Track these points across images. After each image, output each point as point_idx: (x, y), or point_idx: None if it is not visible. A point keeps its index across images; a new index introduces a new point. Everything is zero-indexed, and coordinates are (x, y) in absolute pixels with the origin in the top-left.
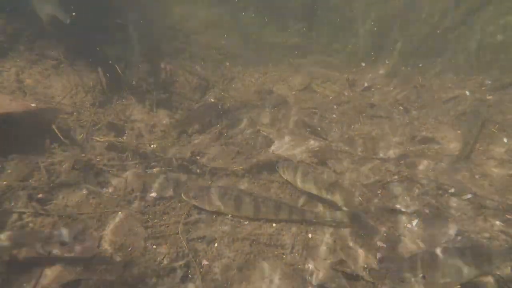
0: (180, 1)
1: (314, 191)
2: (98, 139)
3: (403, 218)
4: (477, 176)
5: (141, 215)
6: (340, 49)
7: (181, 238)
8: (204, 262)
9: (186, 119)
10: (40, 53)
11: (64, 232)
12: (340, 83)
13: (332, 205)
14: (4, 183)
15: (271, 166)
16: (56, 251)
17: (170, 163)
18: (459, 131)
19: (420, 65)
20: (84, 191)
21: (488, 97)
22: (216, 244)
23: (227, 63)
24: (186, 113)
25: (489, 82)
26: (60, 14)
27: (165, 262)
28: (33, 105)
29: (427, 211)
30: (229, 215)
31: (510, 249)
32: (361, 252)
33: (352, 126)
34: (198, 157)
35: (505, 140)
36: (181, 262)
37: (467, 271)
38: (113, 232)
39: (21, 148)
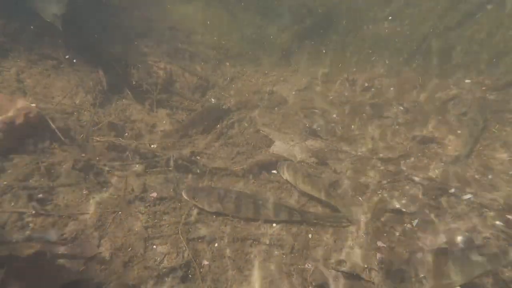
0: (180, 1)
1: (313, 192)
2: (98, 139)
3: (403, 218)
4: (477, 176)
5: (141, 215)
6: (340, 49)
7: (181, 238)
8: (204, 262)
9: (190, 123)
10: (40, 53)
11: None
12: (340, 83)
13: (332, 207)
14: (4, 183)
15: (271, 166)
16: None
17: (170, 163)
18: (459, 131)
19: (421, 65)
20: (84, 191)
21: (489, 97)
22: (216, 244)
23: (227, 63)
24: (189, 116)
25: (489, 82)
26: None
27: (165, 262)
28: (33, 105)
29: (427, 211)
30: (229, 216)
31: (510, 249)
32: (361, 252)
33: (352, 126)
34: (198, 157)
35: (505, 139)
36: (181, 262)
37: (468, 272)
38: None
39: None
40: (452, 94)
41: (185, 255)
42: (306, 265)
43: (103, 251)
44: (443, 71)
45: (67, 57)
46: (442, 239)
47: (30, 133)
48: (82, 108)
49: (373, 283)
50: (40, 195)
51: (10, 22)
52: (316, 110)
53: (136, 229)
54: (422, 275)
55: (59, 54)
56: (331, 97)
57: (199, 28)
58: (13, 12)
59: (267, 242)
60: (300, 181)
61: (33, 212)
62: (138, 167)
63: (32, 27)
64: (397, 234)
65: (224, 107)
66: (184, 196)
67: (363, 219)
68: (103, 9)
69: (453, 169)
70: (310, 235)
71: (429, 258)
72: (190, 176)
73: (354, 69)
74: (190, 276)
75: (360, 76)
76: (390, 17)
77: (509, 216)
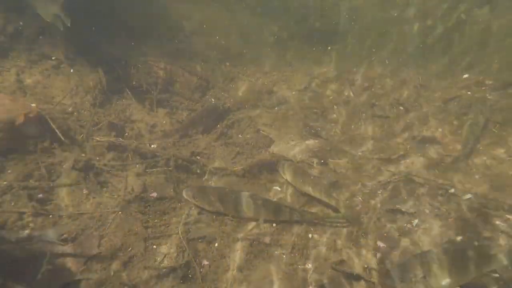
0: (180, 1)
1: (313, 193)
2: (98, 139)
3: (404, 218)
4: (477, 176)
5: (141, 215)
6: (340, 49)
7: (181, 238)
8: (204, 262)
9: (190, 123)
10: (40, 53)
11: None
12: (340, 83)
13: (332, 207)
14: (4, 183)
15: (271, 166)
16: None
17: (170, 163)
18: (459, 131)
19: (421, 64)
20: (84, 191)
21: (489, 97)
22: (216, 244)
23: (227, 63)
24: (190, 117)
25: (489, 82)
26: (64, 15)
27: (165, 262)
28: (33, 105)
29: (427, 211)
30: (229, 215)
31: (510, 249)
32: (361, 252)
33: (352, 126)
34: (198, 157)
35: (505, 139)
36: (181, 262)
37: (467, 272)
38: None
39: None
40: (452, 94)
41: (185, 255)
42: (306, 265)
43: (103, 251)
44: (443, 71)
45: (53, 58)
46: (442, 239)
47: (30, 133)
48: (82, 108)
49: (373, 283)
50: (40, 195)
51: (10, 22)
52: (316, 110)
53: (136, 229)
54: (422, 275)
55: (59, 54)
56: (331, 97)
57: (199, 28)
58: (13, 12)
59: (267, 241)
60: (300, 181)
61: (33, 212)
62: (138, 167)
63: (32, 27)
64: (397, 234)
65: (224, 107)
66: (184, 195)
67: (363, 219)
68: (103, 9)
69: (453, 169)
70: (310, 235)
71: (429, 258)
72: (190, 176)
73: (354, 69)
74: (190, 276)
75: (360, 76)
76: (390, 17)
77: (509, 216)
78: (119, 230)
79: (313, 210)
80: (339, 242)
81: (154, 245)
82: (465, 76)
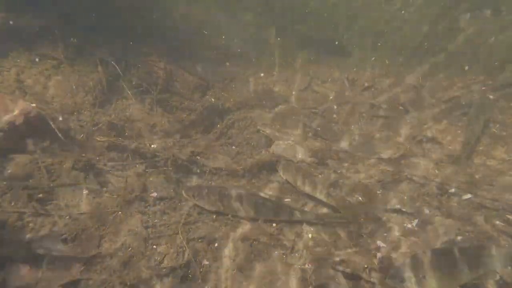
0: (180, 1)
1: (313, 193)
2: (98, 139)
3: (403, 218)
4: (477, 176)
5: (141, 215)
6: (340, 49)
7: (181, 238)
8: (204, 262)
9: (190, 123)
10: (40, 53)
11: None
12: (340, 83)
13: (332, 207)
14: (4, 183)
15: (271, 166)
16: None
17: (170, 163)
18: (459, 131)
19: (421, 65)
20: (84, 191)
21: (489, 97)
22: (216, 244)
23: (227, 63)
24: (190, 117)
25: (489, 82)
26: None
27: (165, 262)
28: (33, 105)
29: (427, 211)
30: (229, 215)
31: (510, 249)
32: (361, 252)
33: (352, 126)
34: (198, 157)
35: (505, 139)
36: (181, 262)
37: (467, 272)
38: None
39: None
40: (452, 94)
41: (185, 255)
42: (306, 265)
43: (103, 251)
44: (443, 71)
45: (53, 58)
46: (442, 239)
47: (30, 133)
48: (82, 108)
49: (373, 283)
50: (40, 195)
51: (10, 22)
52: (316, 110)
53: (136, 229)
54: (422, 275)
55: (59, 54)
56: (331, 97)
57: (199, 28)
58: (13, 12)
59: (267, 241)
60: (299, 181)
61: (33, 212)
62: (138, 167)
63: (32, 27)
64: (397, 234)
65: (223, 107)
66: (184, 195)
67: (363, 219)
68: (103, 9)
69: (453, 169)
70: (310, 235)
71: (429, 257)
72: (190, 176)
73: (354, 69)
74: (190, 276)
75: (360, 76)
76: (389, 17)
77: (509, 216)
78: (119, 230)
79: (313, 210)
80: (338, 242)
81: (154, 245)
82: (466, 68)
